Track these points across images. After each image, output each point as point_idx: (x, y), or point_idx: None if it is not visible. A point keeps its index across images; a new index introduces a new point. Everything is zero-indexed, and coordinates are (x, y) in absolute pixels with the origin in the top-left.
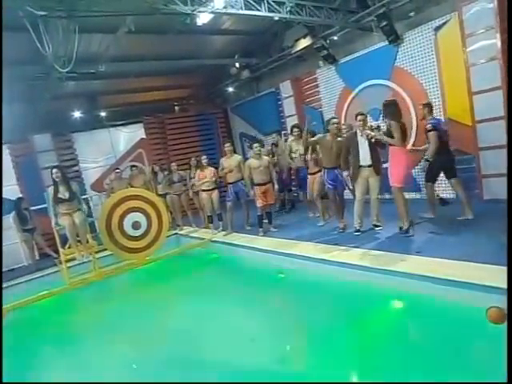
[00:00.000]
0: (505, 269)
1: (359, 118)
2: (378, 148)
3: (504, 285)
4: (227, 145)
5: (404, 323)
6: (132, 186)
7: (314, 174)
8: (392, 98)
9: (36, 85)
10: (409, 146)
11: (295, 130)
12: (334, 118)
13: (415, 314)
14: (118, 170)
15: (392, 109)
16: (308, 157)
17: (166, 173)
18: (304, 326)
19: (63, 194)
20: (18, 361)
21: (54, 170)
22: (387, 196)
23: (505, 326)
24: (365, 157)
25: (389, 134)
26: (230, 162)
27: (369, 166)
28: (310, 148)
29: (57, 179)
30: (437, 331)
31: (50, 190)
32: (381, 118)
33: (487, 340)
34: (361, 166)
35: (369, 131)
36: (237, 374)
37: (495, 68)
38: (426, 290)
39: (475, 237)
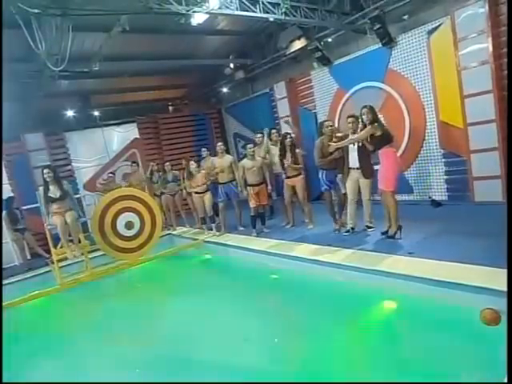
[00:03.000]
0: (496, 270)
1: (349, 120)
2: (368, 151)
3: (495, 286)
4: (219, 144)
5: (398, 324)
6: (130, 183)
7: (291, 177)
8: (369, 104)
9: (29, 83)
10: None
11: (274, 131)
12: (327, 120)
13: (408, 314)
14: (111, 175)
15: (371, 112)
16: (288, 161)
17: (160, 173)
18: (297, 326)
19: (54, 193)
20: (9, 360)
21: (46, 170)
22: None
23: (498, 327)
24: (353, 159)
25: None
26: (221, 161)
27: (357, 169)
28: (288, 151)
29: (48, 179)
30: (429, 332)
31: (41, 189)
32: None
33: (480, 341)
34: (350, 168)
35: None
36: (229, 374)
37: (487, 72)
38: (418, 290)
39: (467, 239)
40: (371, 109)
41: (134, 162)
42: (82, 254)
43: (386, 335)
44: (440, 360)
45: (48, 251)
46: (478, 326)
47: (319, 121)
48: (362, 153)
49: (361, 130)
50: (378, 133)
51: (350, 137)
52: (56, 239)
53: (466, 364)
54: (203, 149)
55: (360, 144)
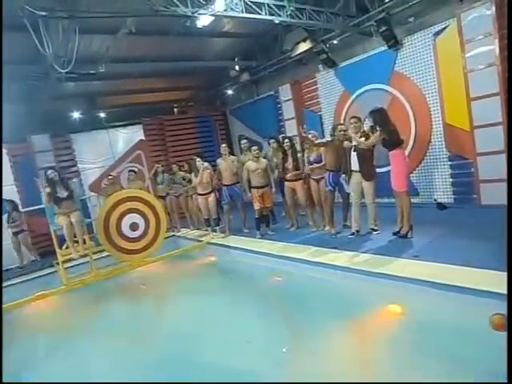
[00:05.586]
0: (501, 274)
1: (352, 121)
2: (366, 153)
3: (500, 290)
4: (223, 146)
5: (402, 327)
6: None
7: (293, 181)
8: (380, 106)
9: (35, 85)
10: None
11: (272, 141)
12: (341, 124)
13: (414, 317)
14: (110, 177)
15: (379, 116)
16: (290, 164)
17: (166, 174)
18: (300, 328)
19: (61, 193)
20: (13, 362)
21: (50, 171)
22: (384, 200)
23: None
24: (354, 162)
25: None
26: (226, 163)
27: (359, 172)
28: (289, 155)
29: (55, 179)
30: (435, 335)
31: (47, 190)
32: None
33: (486, 345)
34: (352, 171)
35: (350, 141)
36: (232, 375)
37: (493, 74)
38: (424, 294)
39: (473, 242)
40: (380, 113)
41: (131, 171)
42: (87, 255)
43: (391, 338)
44: (446, 363)
45: (53, 252)
46: (485, 330)
47: (324, 123)
48: (361, 155)
49: (362, 132)
50: (386, 137)
51: (357, 140)
52: (61, 240)
53: (470, 367)
54: (197, 158)
55: (353, 149)
